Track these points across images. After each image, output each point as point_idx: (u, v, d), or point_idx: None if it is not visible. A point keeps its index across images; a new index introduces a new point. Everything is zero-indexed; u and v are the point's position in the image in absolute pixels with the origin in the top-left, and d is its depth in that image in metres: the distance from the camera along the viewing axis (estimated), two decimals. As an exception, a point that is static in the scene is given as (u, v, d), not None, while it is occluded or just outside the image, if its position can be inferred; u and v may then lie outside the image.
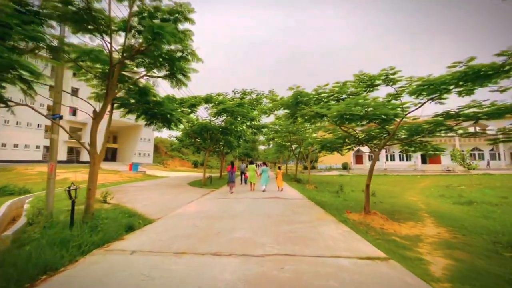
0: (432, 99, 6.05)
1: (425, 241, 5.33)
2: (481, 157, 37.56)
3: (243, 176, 15.98)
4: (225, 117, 14.07)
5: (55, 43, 4.69)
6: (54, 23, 4.89)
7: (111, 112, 6.10)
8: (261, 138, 35.14)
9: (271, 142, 25.70)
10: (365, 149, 42.81)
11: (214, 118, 14.67)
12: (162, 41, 5.39)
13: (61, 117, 5.23)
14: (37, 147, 30.46)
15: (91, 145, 5.35)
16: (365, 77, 7.04)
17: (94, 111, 5.33)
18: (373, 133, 7.52)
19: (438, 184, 20.99)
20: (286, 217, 6.13)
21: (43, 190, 12.63)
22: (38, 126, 30.62)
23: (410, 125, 7.47)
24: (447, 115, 6.02)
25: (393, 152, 43.20)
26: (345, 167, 42.95)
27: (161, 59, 6.26)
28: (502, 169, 34.17)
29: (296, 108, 7.19)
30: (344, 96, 7.05)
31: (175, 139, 18.63)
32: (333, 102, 7.00)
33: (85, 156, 33.52)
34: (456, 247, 4.91)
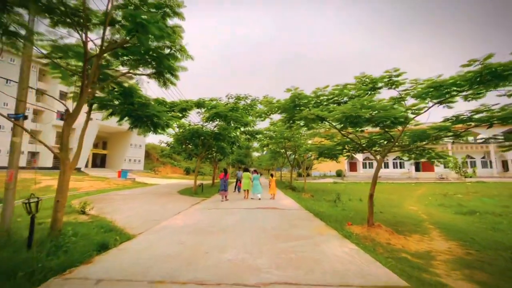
0: (440, 102, 5.62)
1: (438, 258, 4.79)
2: (474, 164, 37.81)
3: (238, 183, 15.44)
4: (217, 122, 13.48)
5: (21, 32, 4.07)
6: (25, 13, 4.31)
7: (88, 114, 5.43)
8: (255, 144, 34.62)
9: (265, 148, 25.14)
10: (359, 156, 42.69)
11: (206, 123, 14.07)
12: (147, 34, 4.83)
13: (25, 117, 4.55)
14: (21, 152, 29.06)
15: (62, 150, 4.68)
16: (367, 80, 6.61)
17: (67, 111, 4.67)
18: (375, 139, 7.05)
19: (434, 192, 20.72)
20: (283, 232, 5.51)
21: (17, 199, 11.65)
22: (22, 131, 29.30)
23: (413, 131, 7.03)
24: (457, 119, 5.59)
25: (387, 160, 43.19)
26: (339, 174, 42.66)
27: (147, 56, 5.68)
28: (494, 176, 34.41)
29: (293, 112, 6.68)
30: (345, 99, 6.58)
31: (165, 145, 17.81)
32: (333, 105, 6.51)
33: (72, 162, 32.23)
34: (474, 266, 4.38)
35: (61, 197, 4.58)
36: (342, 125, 5.74)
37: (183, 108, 11.71)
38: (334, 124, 6.18)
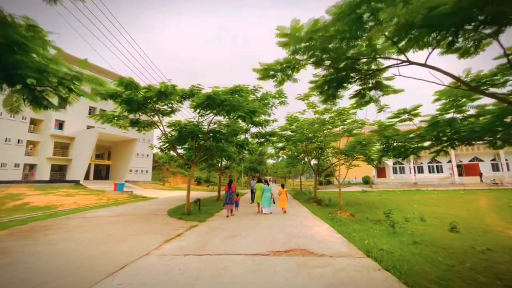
0: None
1: None
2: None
3: (253, 194, 14.53)
4: (214, 115, 9.76)
5: None
6: None
7: None
8: (270, 150, 30.63)
9: (281, 153, 21.09)
10: (389, 161, 37.42)
11: (202, 119, 10.39)
12: None
13: None
14: (16, 165, 26.91)
15: None
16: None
17: None
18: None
19: (500, 202, 15.80)
20: None
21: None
22: (18, 142, 27.24)
23: None
24: None
25: (421, 163, 37.62)
26: (366, 181, 37.53)
27: None
28: None
29: (356, 35, 2.79)
30: None
31: (159, 150, 14.28)
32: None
33: (72, 174, 29.77)
34: None
35: None
36: None
37: (162, 91, 8.03)
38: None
